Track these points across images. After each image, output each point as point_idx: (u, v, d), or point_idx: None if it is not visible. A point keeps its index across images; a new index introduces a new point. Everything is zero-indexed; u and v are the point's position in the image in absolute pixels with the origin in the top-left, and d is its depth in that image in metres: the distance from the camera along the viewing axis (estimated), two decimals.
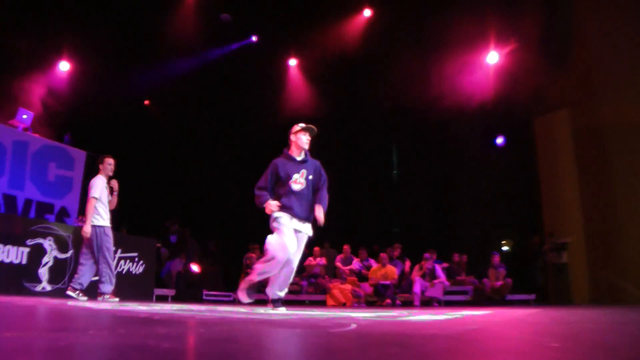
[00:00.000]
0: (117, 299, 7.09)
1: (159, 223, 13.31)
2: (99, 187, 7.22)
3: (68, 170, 11.07)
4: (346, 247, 12.62)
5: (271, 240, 5.12)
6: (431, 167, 15.01)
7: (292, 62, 15.59)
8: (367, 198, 15.50)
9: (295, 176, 5.29)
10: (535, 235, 12.79)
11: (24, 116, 10.72)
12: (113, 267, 7.25)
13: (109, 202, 7.35)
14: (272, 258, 5.06)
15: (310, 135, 5.45)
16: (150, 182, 14.24)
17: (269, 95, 14.91)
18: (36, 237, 7.85)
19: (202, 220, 14.62)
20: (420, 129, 14.50)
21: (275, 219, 5.18)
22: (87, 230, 7.05)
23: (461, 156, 14.38)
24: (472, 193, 13.98)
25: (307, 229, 5.33)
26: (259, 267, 5.19)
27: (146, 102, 16.28)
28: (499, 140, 14.46)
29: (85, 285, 7.12)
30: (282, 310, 5.19)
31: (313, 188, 5.39)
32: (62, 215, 10.78)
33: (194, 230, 13.47)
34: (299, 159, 5.39)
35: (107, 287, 7.09)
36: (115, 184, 7.40)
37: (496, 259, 11.73)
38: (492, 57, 13.01)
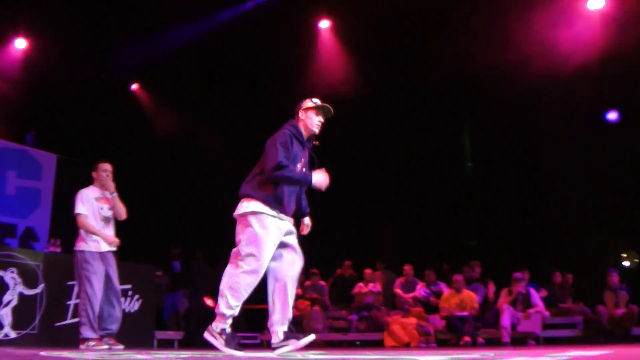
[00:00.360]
0: (105, 347, 7.11)
1: (157, 244, 13.38)
2: (84, 200, 7.30)
3: (33, 180, 11.22)
4: (407, 268, 12.56)
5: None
6: (517, 156, 14.84)
7: (324, 24, 15.51)
8: (432, 201, 15.31)
9: (299, 164, 5.33)
10: None
11: None
12: (96, 305, 7.22)
13: (113, 209, 7.44)
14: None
15: (324, 117, 5.49)
16: (143, 191, 14.32)
17: (294, 69, 14.84)
18: None
19: (213, 238, 14.63)
20: (501, 106, 14.22)
21: (255, 216, 5.12)
22: (113, 240, 7.36)
23: (558, 140, 14.17)
24: (576, 189, 13.78)
25: (289, 225, 5.34)
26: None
27: (134, 86, 16.44)
28: (611, 116, 14.14)
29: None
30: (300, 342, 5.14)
31: None
32: (28, 238, 10.91)
33: (204, 251, 13.49)
34: (305, 142, 5.46)
35: (89, 331, 7.12)
36: (110, 185, 7.42)
37: (614, 278, 11.48)
38: (596, 2, 12.73)
